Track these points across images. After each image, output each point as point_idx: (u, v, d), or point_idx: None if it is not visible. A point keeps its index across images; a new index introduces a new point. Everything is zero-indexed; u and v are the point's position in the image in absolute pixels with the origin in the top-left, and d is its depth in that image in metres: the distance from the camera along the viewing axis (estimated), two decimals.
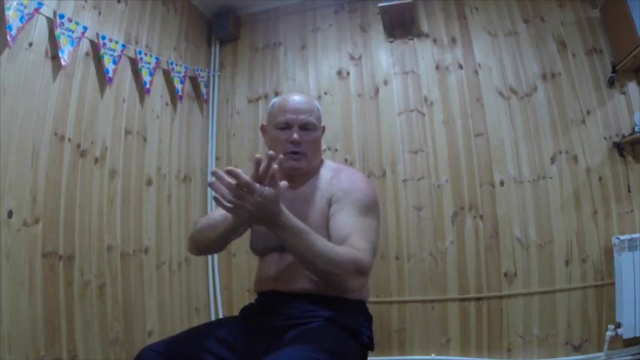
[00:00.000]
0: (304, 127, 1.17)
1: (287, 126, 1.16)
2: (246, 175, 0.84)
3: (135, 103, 2.29)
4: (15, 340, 1.49)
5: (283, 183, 0.92)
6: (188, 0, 2.86)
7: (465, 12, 2.68)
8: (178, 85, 2.61)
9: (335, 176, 1.19)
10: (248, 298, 2.52)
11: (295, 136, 1.15)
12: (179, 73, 2.62)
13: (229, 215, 1.02)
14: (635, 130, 2.20)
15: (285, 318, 1.07)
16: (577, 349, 2.18)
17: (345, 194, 1.11)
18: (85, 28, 1.93)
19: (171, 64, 2.57)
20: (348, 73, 2.80)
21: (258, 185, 0.85)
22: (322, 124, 1.26)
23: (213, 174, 0.86)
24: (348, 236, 1.00)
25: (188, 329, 1.18)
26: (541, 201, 2.34)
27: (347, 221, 1.05)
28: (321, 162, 1.27)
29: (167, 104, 2.56)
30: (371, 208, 1.10)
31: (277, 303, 1.11)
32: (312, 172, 1.22)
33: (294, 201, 1.15)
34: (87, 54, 1.99)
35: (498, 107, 2.50)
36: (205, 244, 1.19)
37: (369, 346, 1.12)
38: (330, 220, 1.08)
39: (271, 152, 0.89)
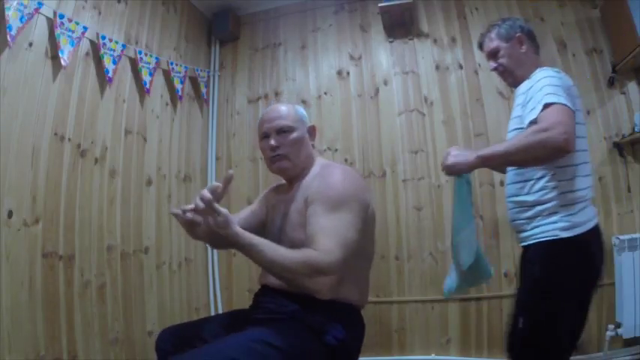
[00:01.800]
0: (280, 131, 1.24)
1: (266, 135, 1.26)
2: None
3: (135, 103, 2.29)
4: (15, 340, 1.49)
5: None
6: (188, 0, 2.86)
7: (465, 12, 2.68)
8: (178, 85, 2.61)
9: (319, 174, 1.21)
10: (248, 298, 2.52)
11: (272, 142, 1.23)
12: (179, 73, 2.63)
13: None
14: (635, 130, 2.20)
15: (263, 311, 1.16)
16: (577, 349, 2.17)
17: (318, 194, 1.12)
18: (85, 28, 1.93)
19: (172, 64, 2.57)
20: (348, 73, 2.80)
21: (204, 219, 0.94)
22: (308, 125, 1.31)
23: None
24: (313, 238, 1.02)
25: (205, 317, 1.35)
26: None
27: (315, 222, 1.06)
28: (314, 161, 1.29)
29: (167, 104, 2.56)
30: (343, 202, 1.08)
31: (262, 296, 1.21)
32: (305, 172, 1.26)
33: (284, 202, 1.24)
34: (87, 54, 1.99)
35: (498, 107, 2.50)
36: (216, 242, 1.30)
37: (340, 348, 1.07)
38: (306, 223, 1.11)
39: (230, 172, 1.02)
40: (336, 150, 2.70)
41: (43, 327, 1.61)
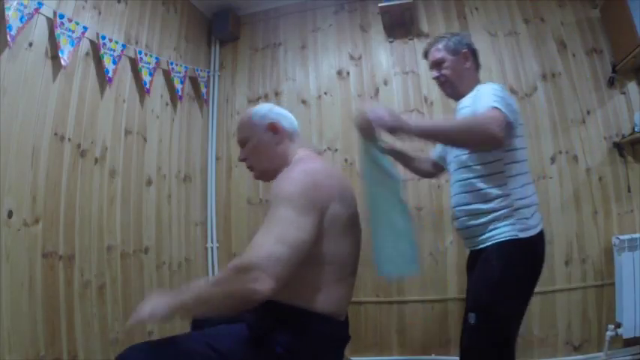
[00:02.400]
0: (240, 144, 1.26)
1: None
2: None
3: (135, 103, 2.29)
4: (15, 340, 1.49)
5: None
6: (188, 0, 2.86)
7: (465, 12, 2.68)
8: (178, 85, 2.61)
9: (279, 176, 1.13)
10: None
11: (239, 156, 1.27)
12: (179, 73, 2.62)
13: None
14: (635, 130, 2.20)
15: (241, 316, 1.16)
16: (577, 349, 2.17)
17: (271, 198, 1.04)
18: (85, 28, 1.93)
19: (172, 64, 2.57)
20: (348, 73, 2.80)
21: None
22: (266, 123, 1.21)
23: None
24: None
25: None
26: (541, 201, 2.30)
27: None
28: (290, 158, 1.20)
29: (167, 104, 2.56)
30: (284, 200, 0.97)
31: None
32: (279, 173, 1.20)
33: None
34: (87, 54, 1.99)
35: None
36: None
37: (287, 357, 0.98)
38: None
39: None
40: (336, 150, 2.70)
41: (43, 327, 1.61)
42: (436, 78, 1.51)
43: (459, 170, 1.38)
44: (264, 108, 1.26)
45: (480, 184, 1.30)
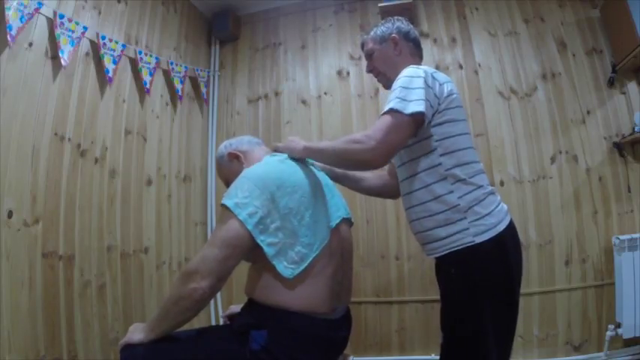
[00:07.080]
0: (226, 184, 1.29)
1: None
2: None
3: (135, 103, 2.29)
4: (15, 340, 1.49)
5: None
6: (188, 0, 2.86)
7: (465, 12, 2.68)
8: (178, 85, 2.61)
9: None
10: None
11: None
12: (179, 73, 2.63)
13: None
14: (635, 130, 2.20)
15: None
16: (577, 349, 2.18)
17: None
18: (85, 28, 1.93)
19: (172, 64, 2.57)
20: (348, 73, 2.80)
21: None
22: (225, 157, 1.31)
23: None
24: None
25: None
26: (541, 201, 2.34)
27: None
28: None
29: (167, 104, 2.56)
30: (223, 212, 1.04)
31: None
32: None
33: None
34: (87, 54, 1.99)
35: (498, 107, 2.50)
36: None
37: (264, 355, 1.01)
38: None
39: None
40: None
41: (43, 327, 1.61)
42: (369, 72, 1.41)
43: (400, 168, 1.27)
44: (220, 147, 1.35)
45: (424, 178, 1.16)
